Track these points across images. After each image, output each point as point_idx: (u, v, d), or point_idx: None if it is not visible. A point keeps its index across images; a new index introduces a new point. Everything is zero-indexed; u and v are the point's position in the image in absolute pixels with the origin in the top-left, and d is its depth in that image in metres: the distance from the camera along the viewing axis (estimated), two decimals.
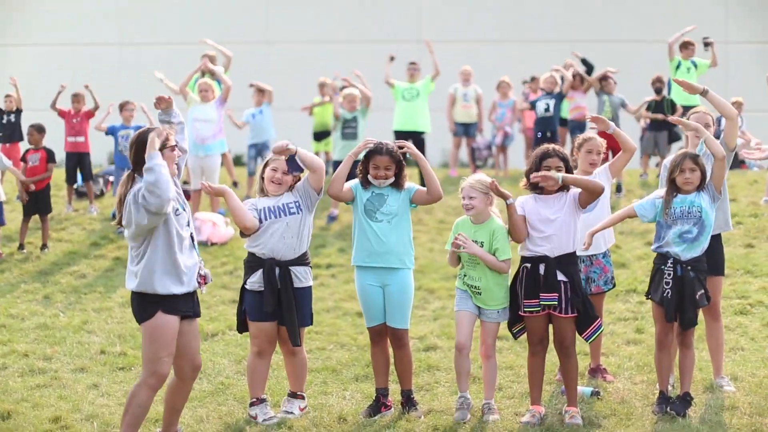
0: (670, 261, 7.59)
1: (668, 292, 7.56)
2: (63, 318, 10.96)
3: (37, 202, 13.74)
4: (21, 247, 13.62)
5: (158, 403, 7.58)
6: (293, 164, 7.58)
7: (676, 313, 7.61)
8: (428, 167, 7.79)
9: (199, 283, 6.72)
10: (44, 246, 13.67)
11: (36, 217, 13.87)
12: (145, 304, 6.56)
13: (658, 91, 16.70)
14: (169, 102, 7.11)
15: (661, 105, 16.42)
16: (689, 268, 7.55)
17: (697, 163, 7.58)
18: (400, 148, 7.77)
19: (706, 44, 16.16)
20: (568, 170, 7.59)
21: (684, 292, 7.53)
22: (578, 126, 16.52)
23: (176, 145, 6.76)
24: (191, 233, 6.73)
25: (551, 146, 7.69)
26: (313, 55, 24.74)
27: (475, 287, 7.78)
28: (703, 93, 8.12)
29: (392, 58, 16.69)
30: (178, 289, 6.54)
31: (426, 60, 16.96)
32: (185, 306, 6.63)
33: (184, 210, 6.74)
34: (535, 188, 7.61)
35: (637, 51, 23.72)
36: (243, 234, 7.68)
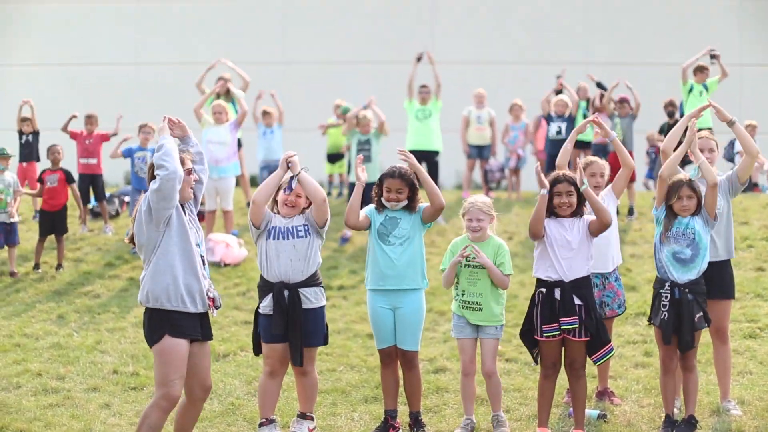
0: (667, 284, 7.70)
1: (665, 315, 7.67)
2: (77, 338, 11.07)
3: (53, 222, 13.88)
4: (36, 266, 13.74)
5: (169, 423, 7.68)
6: (290, 183, 7.70)
7: (674, 336, 7.68)
8: (427, 178, 7.92)
9: (208, 305, 6.79)
10: (59, 266, 13.80)
11: (52, 237, 14.01)
12: (154, 327, 6.66)
13: (670, 115, 16.76)
14: (182, 128, 7.19)
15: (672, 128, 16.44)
16: (687, 290, 7.65)
17: (694, 189, 7.72)
18: (399, 192, 7.85)
19: (713, 57, 16.22)
20: (579, 195, 7.67)
21: (682, 315, 7.63)
22: (602, 149, 16.48)
23: (192, 169, 6.88)
24: (202, 255, 6.83)
25: (562, 172, 7.80)
26: (328, 75, 24.88)
27: (476, 303, 7.91)
28: (730, 123, 8.20)
29: (419, 58, 16.82)
30: (185, 307, 6.62)
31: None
32: (192, 329, 6.69)
33: (197, 233, 6.85)
34: (551, 212, 7.72)
35: (651, 74, 23.75)
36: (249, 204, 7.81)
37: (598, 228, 7.63)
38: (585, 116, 17.28)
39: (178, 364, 6.63)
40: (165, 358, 6.63)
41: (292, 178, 7.69)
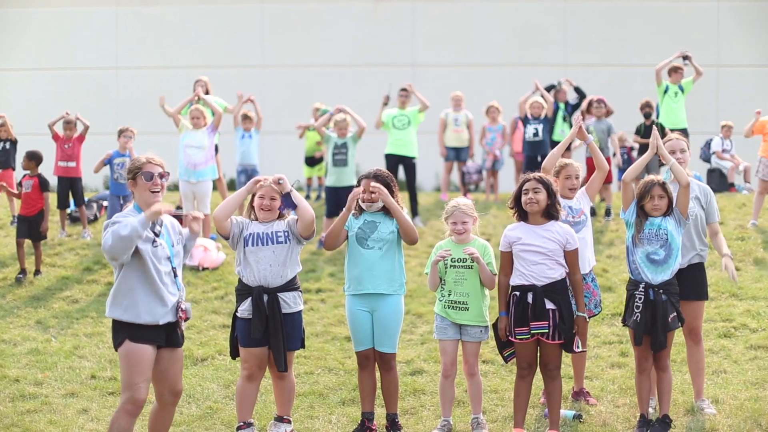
0: (641, 285, 7.76)
1: (638, 316, 7.73)
2: (55, 343, 11.06)
3: (29, 227, 13.76)
4: (22, 272, 13.56)
5: (145, 427, 7.71)
6: (288, 201, 7.74)
7: (646, 337, 7.75)
8: (402, 215, 7.89)
9: (179, 317, 6.79)
10: (37, 271, 13.74)
11: (29, 242, 13.93)
12: (116, 332, 6.73)
13: (647, 116, 16.87)
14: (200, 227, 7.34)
15: (650, 129, 16.54)
16: (661, 291, 7.72)
17: (665, 190, 7.80)
18: (372, 192, 7.88)
19: (685, 58, 16.36)
20: (551, 195, 7.72)
21: (656, 316, 7.70)
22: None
23: (152, 174, 6.84)
24: (174, 267, 6.83)
25: (534, 174, 7.85)
26: (308, 79, 24.92)
27: (462, 303, 7.98)
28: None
29: (386, 103, 16.72)
30: (145, 320, 6.64)
31: (418, 84, 17.11)
32: (154, 336, 6.70)
33: (173, 245, 6.86)
34: (522, 215, 7.77)
35: (627, 75, 23.93)
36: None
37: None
38: (564, 118, 17.37)
39: (142, 367, 6.66)
40: (128, 362, 6.68)
41: (286, 197, 7.72)
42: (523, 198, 7.69)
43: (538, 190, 7.66)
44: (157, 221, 6.77)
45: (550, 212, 7.69)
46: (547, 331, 7.56)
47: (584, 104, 17.02)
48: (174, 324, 6.80)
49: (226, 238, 7.75)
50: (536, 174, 7.80)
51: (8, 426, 8.30)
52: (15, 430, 8.19)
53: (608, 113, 16.98)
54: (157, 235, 6.73)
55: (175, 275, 6.81)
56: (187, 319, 6.87)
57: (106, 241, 6.45)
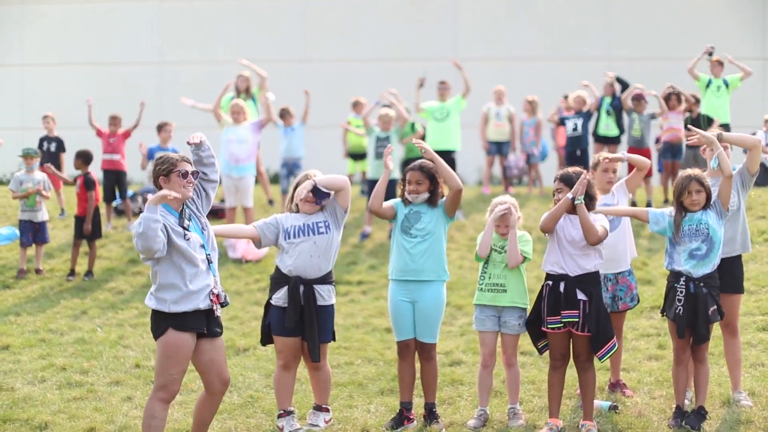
0: (682, 279, 7.81)
1: (680, 309, 7.77)
2: (100, 333, 11.29)
3: (80, 228, 13.75)
4: (72, 273, 13.66)
5: (189, 415, 7.89)
6: (318, 194, 7.87)
7: (688, 329, 7.80)
8: (443, 163, 8.08)
9: (211, 301, 6.88)
10: (89, 272, 13.73)
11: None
12: (158, 321, 6.84)
13: (690, 110, 16.77)
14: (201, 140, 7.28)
15: (698, 121, 16.44)
16: (702, 284, 7.76)
17: (703, 184, 7.80)
18: (418, 183, 8.04)
19: (710, 54, 16.29)
20: (588, 193, 7.79)
21: (697, 309, 7.74)
22: (670, 149, 16.45)
23: (195, 172, 6.98)
24: (208, 255, 6.94)
25: (559, 172, 7.99)
26: (349, 72, 25.03)
27: (500, 285, 8.14)
28: (719, 138, 8.17)
29: (421, 85, 16.80)
30: (185, 308, 6.75)
31: (459, 78, 17.14)
32: (196, 323, 6.81)
33: (203, 231, 6.98)
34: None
35: (672, 68, 23.73)
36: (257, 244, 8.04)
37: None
38: (608, 112, 17.24)
39: (181, 358, 6.79)
40: (168, 351, 6.79)
41: (316, 189, 7.84)
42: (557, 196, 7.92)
43: (560, 191, 7.83)
44: (185, 215, 6.89)
45: (590, 207, 7.78)
46: (577, 320, 7.64)
47: (626, 97, 16.83)
48: (212, 311, 6.93)
49: (265, 244, 8.02)
50: (562, 172, 7.93)
51: (55, 413, 8.51)
52: (61, 417, 8.40)
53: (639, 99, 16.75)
54: (186, 228, 6.84)
55: (210, 262, 6.94)
56: (223, 304, 6.94)
57: (136, 245, 6.64)
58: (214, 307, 6.88)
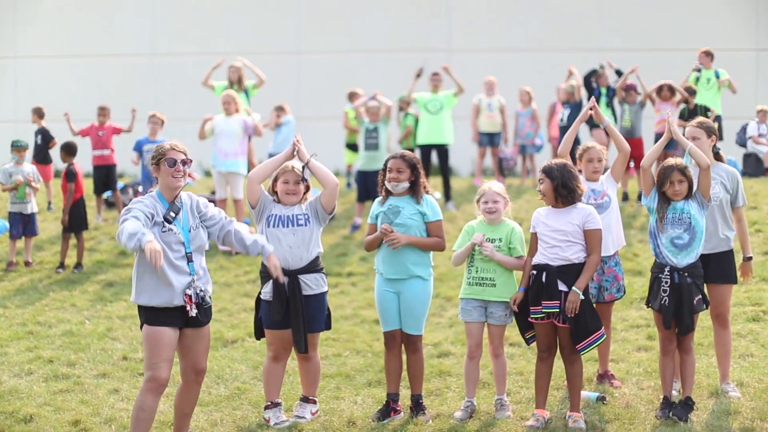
0: (666, 269, 7.78)
1: (666, 300, 7.75)
2: (89, 325, 11.25)
3: (69, 220, 13.71)
4: (61, 265, 13.64)
5: (172, 407, 7.85)
6: (303, 176, 7.84)
7: (674, 320, 7.77)
8: (423, 243, 8.00)
9: (185, 302, 6.80)
10: (78, 265, 13.69)
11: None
12: (139, 314, 6.91)
13: (686, 100, 16.74)
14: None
15: (695, 112, 16.40)
16: (686, 274, 7.73)
17: (685, 174, 7.77)
18: (399, 171, 8.00)
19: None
20: (564, 185, 7.75)
21: (682, 299, 7.71)
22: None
23: (175, 161, 6.90)
24: (188, 253, 6.87)
25: (543, 165, 7.96)
26: (343, 64, 24.97)
27: (489, 279, 8.07)
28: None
29: (419, 75, 16.78)
30: (154, 302, 6.77)
31: (454, 69, 17.10)
32: (169, 319, 6.81)
33: (189, 229, 6.92)
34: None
35: (666, 59, 23.71)
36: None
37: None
38: (607, 104, 17.23)
39: (162, 348, 6.80)
40: (149, 342, 6.84)
41: (303, 168, 7.82)
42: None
43: (542, 180, 7.79)
44: (173, 208, 6.87)
45: (571, 199, 7.73)
46: (557, 311, 7.61)
47: (619, 86, 16.81)
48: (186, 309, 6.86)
49: (253, 207, 7.86)
50: (544, 164, 7.88)
51: (41, 405, 8.47)
52: (47, 409, 8.36)
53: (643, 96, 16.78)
54: (169, 221, 6.81)
55: (189, 260, 6.88)
56: (199, 304, 6.85)
57: (119, 234, 6.55)
58: (188, 307, 6.82)
